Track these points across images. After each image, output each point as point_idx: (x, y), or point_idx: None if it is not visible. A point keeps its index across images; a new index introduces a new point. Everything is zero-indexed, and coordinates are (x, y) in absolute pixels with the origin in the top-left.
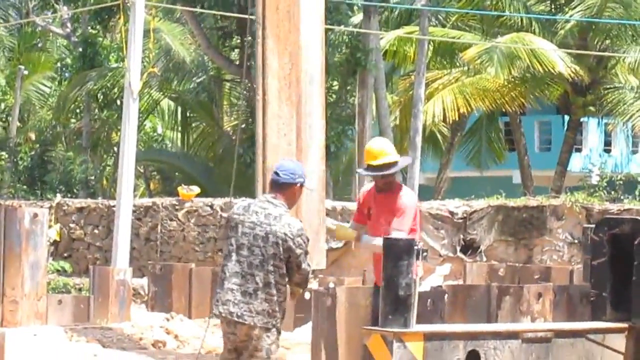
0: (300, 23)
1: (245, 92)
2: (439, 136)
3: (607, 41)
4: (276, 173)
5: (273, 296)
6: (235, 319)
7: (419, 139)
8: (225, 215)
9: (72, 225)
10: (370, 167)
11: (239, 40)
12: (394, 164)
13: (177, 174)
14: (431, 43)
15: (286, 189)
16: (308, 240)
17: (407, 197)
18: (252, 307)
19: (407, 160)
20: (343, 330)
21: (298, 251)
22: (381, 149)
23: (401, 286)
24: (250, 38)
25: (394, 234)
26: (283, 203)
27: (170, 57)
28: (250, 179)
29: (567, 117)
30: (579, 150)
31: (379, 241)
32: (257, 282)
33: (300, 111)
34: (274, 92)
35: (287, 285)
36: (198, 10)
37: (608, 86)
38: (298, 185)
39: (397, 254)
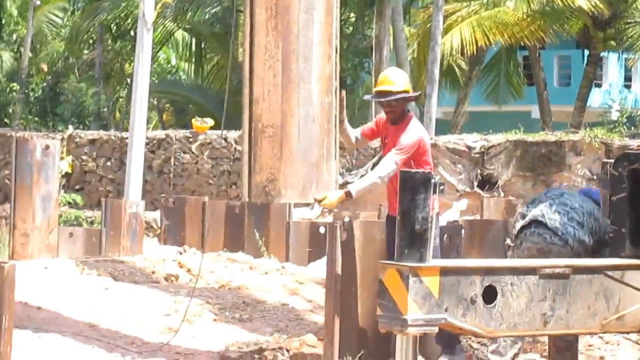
0: None
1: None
2: (456, 70)
3: None
4: None
5: None
6: None
7: (436, 73)
8: (239, 148)
9: (84, 157)
10: (376, 93)
11: None
12: (395, 93)
13: (190, 106)
14: None
15: None
16: None
17: (413, 128)
18: None
19: (412, 94)
20: (358, 265)
21: None
22: (387, 76)
23: (417, 220)
24: None
25: (384, 160)
26: None
27: None
28: None
29: (586, 52)
30: (598, 85)
31: (367, 178)
32: None
33: (289, 41)
34: (261, 23)
35: None
36: None
37: (629, 20)
38: None
39: (414, 188)
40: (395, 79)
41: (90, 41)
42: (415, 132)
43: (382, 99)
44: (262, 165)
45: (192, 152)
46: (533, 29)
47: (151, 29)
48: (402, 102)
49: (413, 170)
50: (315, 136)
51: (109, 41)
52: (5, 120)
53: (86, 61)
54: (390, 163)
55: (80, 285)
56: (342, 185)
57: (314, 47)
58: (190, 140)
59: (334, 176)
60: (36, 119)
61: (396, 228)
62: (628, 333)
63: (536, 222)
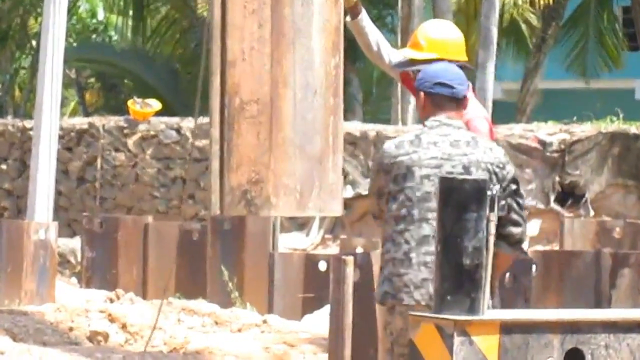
0: None
1: None
2: (524, 28)
3: None
4: (449, 86)
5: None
6: None
7: (493, 31)
8: (199, 144)
9: None
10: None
11: None
12: (418, 62)
13: (126, 81)
14: None
15: (464, 104)
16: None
17: (475, 110)
18: None
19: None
20: (378, 317)
21: (513, 186)
22: (416, 34)
23: (466, 252)
24: None
25: None
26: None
27: None
28: None
29: None
30: None
31: None
32: None
33: None
34: None
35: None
36: None
37: None
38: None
39: (461, 202)
40: (425, 39)
41: None
42: (481, 115)
43: (401, 68)
44: (241, 159)
45: (129, 150)
46: None
47: None
48: None
49: (459, 178)
50: (319, 117)
51: None
52: None
53: None
54: None
55: None
56: (352, 200)
57: None
58: (126, 132)
59: (341, 177)
60: None
61: (435, 262)
62: None
63: None
